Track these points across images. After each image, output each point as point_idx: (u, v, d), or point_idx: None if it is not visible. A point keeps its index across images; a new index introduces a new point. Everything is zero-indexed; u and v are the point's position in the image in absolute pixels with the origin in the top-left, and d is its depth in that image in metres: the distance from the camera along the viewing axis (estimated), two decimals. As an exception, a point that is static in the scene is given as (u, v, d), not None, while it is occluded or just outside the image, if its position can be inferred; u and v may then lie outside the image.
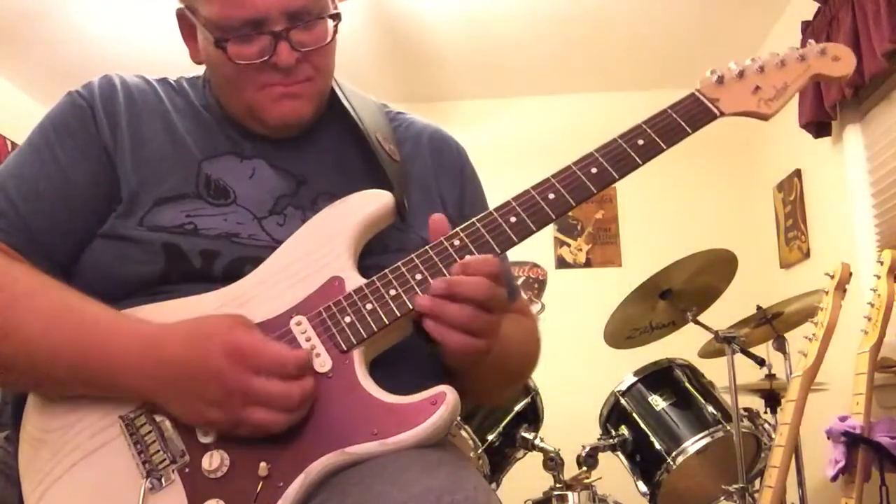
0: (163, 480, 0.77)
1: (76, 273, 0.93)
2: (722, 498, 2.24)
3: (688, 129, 0.93)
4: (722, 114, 0.95)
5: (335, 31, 0.94)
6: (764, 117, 0.97)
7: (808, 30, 2.88)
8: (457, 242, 0.87)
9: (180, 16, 0.98)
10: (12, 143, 3.71)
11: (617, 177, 0.91)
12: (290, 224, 0.94)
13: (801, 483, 2.28)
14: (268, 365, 0.76)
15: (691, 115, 0.94)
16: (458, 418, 2.18)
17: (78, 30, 3.34)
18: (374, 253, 0.94)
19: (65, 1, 3.14)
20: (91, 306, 0.84)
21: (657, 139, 0.91)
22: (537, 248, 3.95)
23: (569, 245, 4.02)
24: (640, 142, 0.91)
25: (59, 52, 3.49)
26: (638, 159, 0.91)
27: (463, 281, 0.81)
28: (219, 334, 0.78)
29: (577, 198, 0.89)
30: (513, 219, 0.88)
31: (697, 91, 0.96)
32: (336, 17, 0.94)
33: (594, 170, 0.90)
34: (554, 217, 0.89)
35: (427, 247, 0.87)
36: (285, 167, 0.99)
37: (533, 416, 2.40)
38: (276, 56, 0.91)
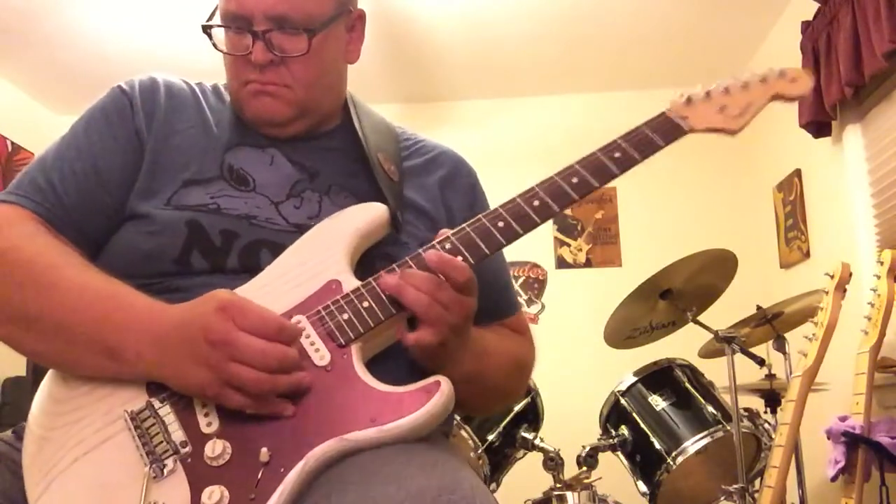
0: (165, 470, 0.79)
1: (103, 254, 0.98)
2: (722, 498, 2.24)
3: (660, 142, 1.00)
4: (692, 129, 1.02)
5: (310, 46, 0.99)
6: (731, 133, 1.04)
7: (808, 30, 2.87)
8: (448, 245, 0.92)
9: None
10: (12, 143, 3.72)
11: (597, 185, 0.97)
12: (306, 206, 1.01)
13: (801, 483, 2.28)
14: (251, 322, 0.80)
15: (663, 130, 1.01)
16: (458, 418, 2.19)
17: (78, 30, 3.34)
18: (384, 242, 1.00)
19: (65, 1, 3.15)
20: (109, 283, 0.89)
21: (632, 152, 0.98)
22: (537, 248, 3.95)
23: (569, 245, 4.02)
24: (617, 154, 0.98)
25: (59, 51, 3.50)
26: (615, 170, 0.97)
27: (414, 273, 0.88)
28: (216, 295, 0.83)
29: (560, 204, 0.95)
30: (500, 224, 0.94)
31: (667, 111, 1.03)
32: (310, 33, 0.99)
33: (575, 179, 0.96)
34: (539, 222, 0.95)
35: (420, 249, 0.92)
36: (298, 161, 1.06)
37: (533, 416, 2.40)
38: (252, 53, 0.99)
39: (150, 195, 0.98)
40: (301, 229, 0.97)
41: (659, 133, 1.00)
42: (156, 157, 1.01)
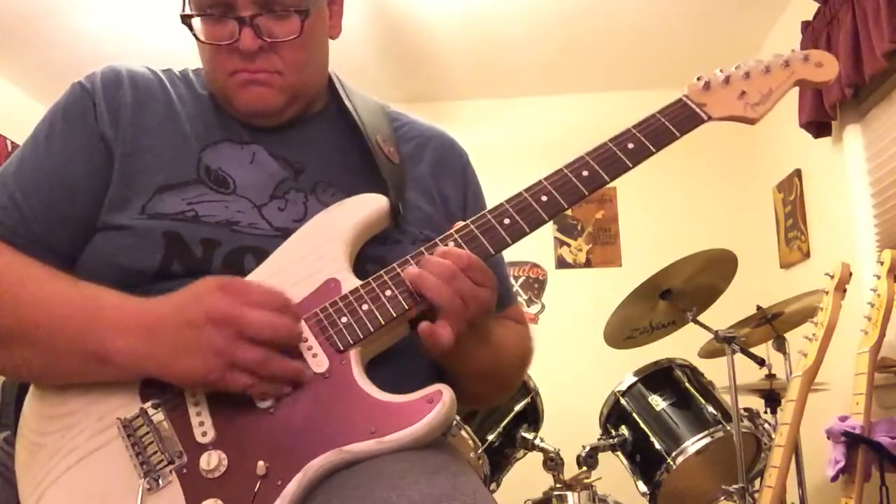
0: (160, 481, 0.76)
1: (78, 267, 0.93)
2: (722, 498, 2.24)
3: (676, 132, 0.94)
4: (709, 118, 0.96)
5: (302, 28, 0.94)
6: (750, 121, 0.99)
7: (808, 30, 2.87)
8: (451, 244, 0.88)
9: None
10: (12, 143, 3.71)
11: (608, 179, 0.92)
12: (291, 208, 0.95)
13: (801, 483, 2.28)
14: (256, 296, 0.78)
15: (679, 119, 0.95)
16: (458, 418, 2.18)
17: (78, 30, 3.34)
18: (375, 242, 0.95)
19: (65, 1, 3.14)
20: (85, 287, 0.85)
21: (646, 143, 0.93)
22: (537, 248, 3.95)
23: (569, 245, 4.02)
24: (630, 145, 0.93)
25: (59, 52, 3.49)
26: (628, 162, 0.92)
27: (432, 259, 0.85)
28: (210, 278, 0.81)
29: (569, 200, 0.91)
30: (506, 220, 0.90)
31: (685, 97, 0.98)
32: (303, 14, 0.94)
33: (585, 172, 0.91)
34: (547, 219, 0.90)
35: (423, 248, 0.88)
36: (283, 155, 0.99)
37: (533, 416, 2.40)
38: (239, 41, 0.92)
39: (124, 204, 0.92)
40: (286, 233, 0.91)
41: (676, 122, 0.94)
42: (126, 163, 0.94)
